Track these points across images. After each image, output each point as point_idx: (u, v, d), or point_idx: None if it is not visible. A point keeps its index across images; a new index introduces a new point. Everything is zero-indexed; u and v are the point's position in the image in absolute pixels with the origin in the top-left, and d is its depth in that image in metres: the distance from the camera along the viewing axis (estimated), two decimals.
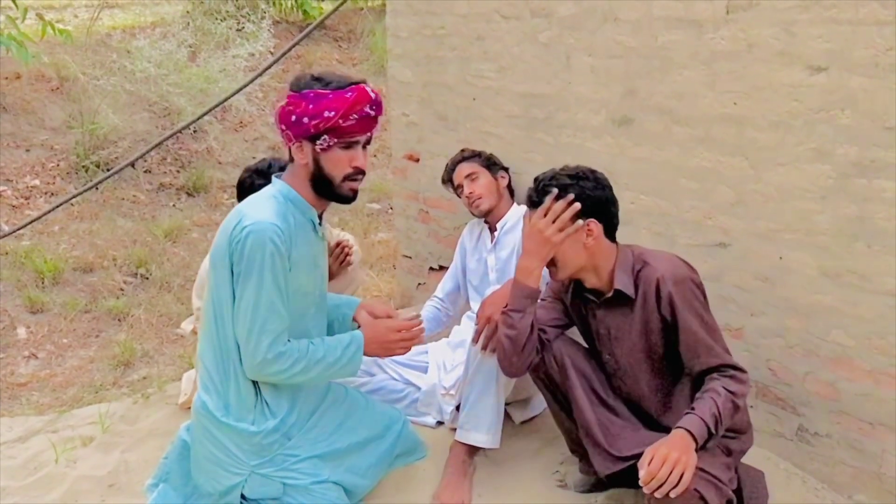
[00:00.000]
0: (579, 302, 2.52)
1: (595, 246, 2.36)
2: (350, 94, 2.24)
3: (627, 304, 2.38)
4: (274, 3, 8.44)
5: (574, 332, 2.62)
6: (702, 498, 2.13)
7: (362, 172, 2.35)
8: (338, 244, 3.12)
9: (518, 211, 3.33)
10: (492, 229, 3.37)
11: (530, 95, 3.46)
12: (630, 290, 2.35)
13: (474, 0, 3.63)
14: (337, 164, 2.30)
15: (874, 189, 2.41)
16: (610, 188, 2.41)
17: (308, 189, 2.35)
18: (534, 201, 2.38)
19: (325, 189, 2.34)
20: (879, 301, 2.46)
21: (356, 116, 2.25)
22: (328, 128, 2.23)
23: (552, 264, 2.39)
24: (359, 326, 2.59)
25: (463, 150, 3.47)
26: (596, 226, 2.36)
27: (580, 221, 2.33)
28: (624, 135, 3.10)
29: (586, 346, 2.59)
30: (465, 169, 3.35)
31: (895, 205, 2.37)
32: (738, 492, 2.35)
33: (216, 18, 7.60)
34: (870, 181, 2.42)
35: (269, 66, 5.13)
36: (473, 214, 3.39)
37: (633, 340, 2.39)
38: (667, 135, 2.94)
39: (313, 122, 2.23)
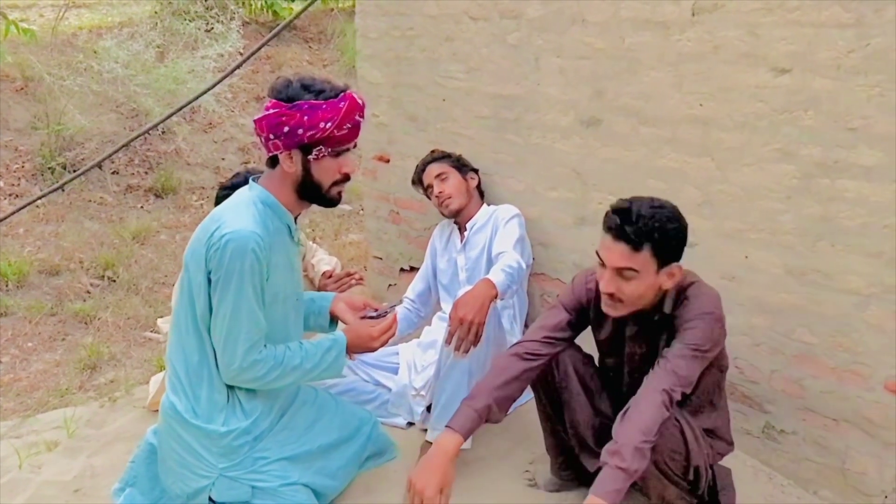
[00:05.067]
0: (613, 319, 2.42)
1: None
2: (343, 103, 2.23)
3: (660, 327, 2.32)
4: (243, 4, 8.38)
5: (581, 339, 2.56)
6: (682, 432, 2.21)
7: (349, 178, 2.36)
8: (348, 274, 3.22)
9: (487, 212, 3.34)
10: (461, 230, 3.38)
11: (500, 96, 3.47)
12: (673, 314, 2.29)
13: (443, 1, 3.63)
14: (327, 171, 2.30)
15: (837, 189, 2.45)
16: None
17: (289, 194, 2.33)
18: (631, 239, 2.15)
19: (312, 194, 2.34)
20: (843, 299, 2.50)
21: (349, 125, 2.25)
22: (322, 138, 2.23)
23: (617, 300, 2.24)
24: (334, 318, 2.61)
25: (433, 151, 3.48)
26: (679, 270, 2.24)
27: (670, 265, 2.21)
28: (592, 135, 3.12)
29: (598, 353, 2.57)
30: (434, 169, 3.36)
31: (858, 204, 2.41)
32: (713, 488, 2.38)
33: (185, 19, 7.53)
34: (833, 181, 2.45)
35: (238, 67, 5.09)
36: (443, 214, 3.40)
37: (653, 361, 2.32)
38: (634, 135, 2.97)
39: (308, 134, 2.21)
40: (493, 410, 2.31)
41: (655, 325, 2.33)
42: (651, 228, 2.14)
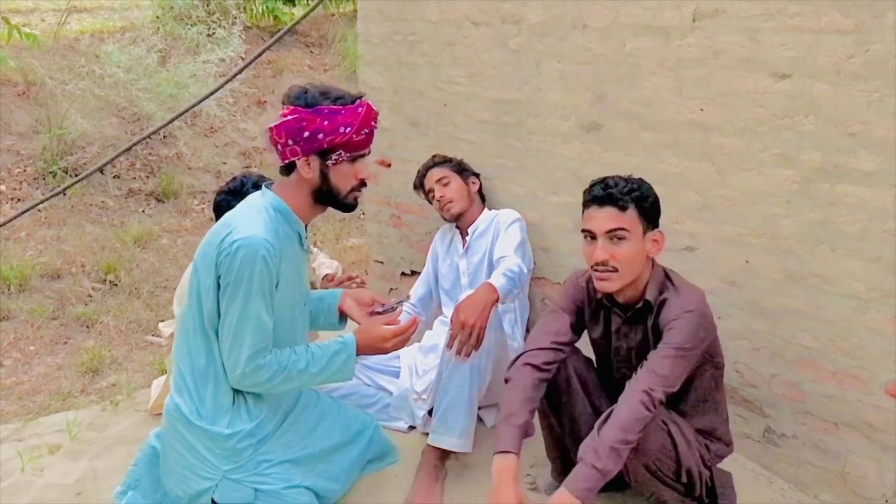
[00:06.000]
0: (602, 315, 2.50)
1: (653, 258, 2.35)
2: (360, 108, 2.26)
3: (646, 322, 2.37)
4: (245, 9, 8.40)
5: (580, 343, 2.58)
6: (670, 434, 2.22)
7: (366, 183, 2.38)
8: (349, 278, 3.21)
9: (489, 216, 3.35)
10: (463, 234, 3.39)
11: (501, 101, 3.48)
12: (655, 305, 2.34)
13: (445, 5, 3.65)
14: (344, 177, 2.32)
15: (837, 194, 2.46)
16: None
17: (303, 201, 2.35)
18: (616, 200, 2.27)
19: (329, 200, 2.36)
20: (843, 303, 2.50)
21: (366, 131, 2.28)
22: (341, 143, 2.25)
23: (612, 269, 2.29)
24: (343, 315, 2.61)
25: (434, 156, 3.49)
26: (662, 238, 2.35)
27: (653, 230, 2.32)
28: (593, 140, 3.13)
29: (594, 355, 2.59)
30: (436, 174, 3.37)
31: (858, 209, 2.42)
32: (713, 491, 2.39)
33: (186, 23, 7.55)
34: (833, 186, 2.46)
35: (240, 72, 5.10)
36: (445, 219, 3.41)
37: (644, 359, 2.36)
38: (635, 140, 2.98)
39: (328, 138, 2.23)
40: (531, 424, 2.35)
41: (639, 316, 2.37)
42: (631, 189, 2.30)
